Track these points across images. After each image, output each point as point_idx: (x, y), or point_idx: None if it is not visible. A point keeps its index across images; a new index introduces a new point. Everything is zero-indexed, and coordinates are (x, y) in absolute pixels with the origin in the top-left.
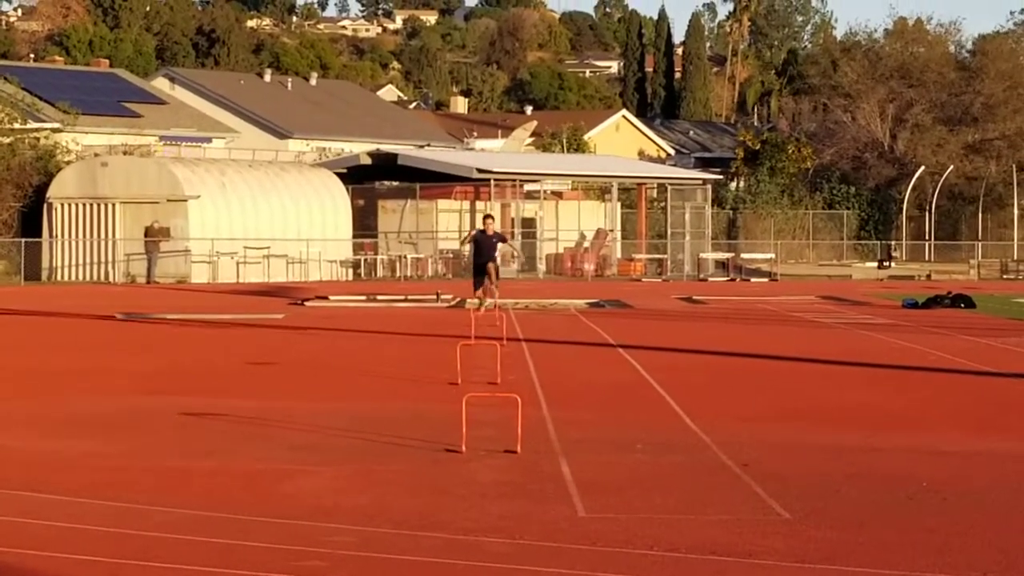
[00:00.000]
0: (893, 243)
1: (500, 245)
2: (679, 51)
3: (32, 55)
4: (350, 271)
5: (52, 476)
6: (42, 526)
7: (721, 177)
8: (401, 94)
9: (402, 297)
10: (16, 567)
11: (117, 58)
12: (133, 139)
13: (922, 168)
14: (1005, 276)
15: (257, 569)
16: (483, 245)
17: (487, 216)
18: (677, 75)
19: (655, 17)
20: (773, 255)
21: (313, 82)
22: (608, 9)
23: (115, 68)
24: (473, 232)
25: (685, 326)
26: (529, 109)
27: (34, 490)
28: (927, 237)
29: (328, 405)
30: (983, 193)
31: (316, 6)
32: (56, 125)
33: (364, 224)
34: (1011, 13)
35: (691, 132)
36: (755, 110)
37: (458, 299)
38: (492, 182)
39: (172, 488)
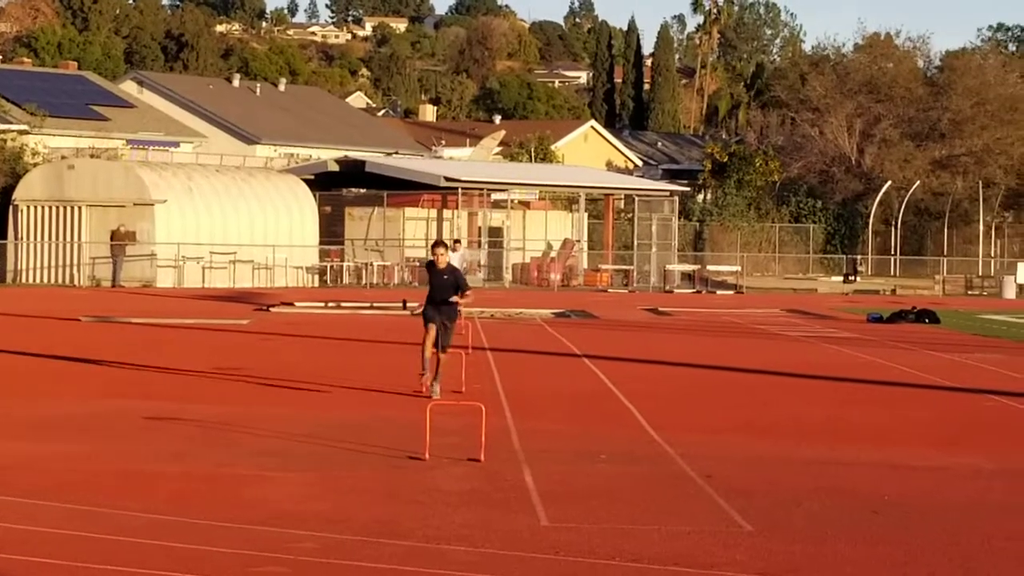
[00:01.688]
0: (859, 257)
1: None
2: (648, 62)
3: (0, 56)
4: (316, 277)
5: (11, 477)
6: (3, 529)
7: (688, 189)
8: (370, 101)
9: (368, 304)
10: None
11: (85, 60)
12: (100, 142)
13: (889, 183)
14: (970, 292)
15: (218, 574)
16: (432, 284)
17: (437, 244)
18: (646, 86)
19: (624, 28)
20: (739, 268)
21: (282, 88)
22: (578, 19)
23: (83, 71)
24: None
25: (651, 337)
26: (498, 118)
27: (37, 499)
28: (893, 252)
29: (292, 411)
30: (949, 209)
31: (286, 12)
32: (23, 127)
33: (331, 231)
34: (979, 30)
35: (659, 144)
36: (724, 123)
37: (421, 269)
38: (459, 191)
39: (134, 492)
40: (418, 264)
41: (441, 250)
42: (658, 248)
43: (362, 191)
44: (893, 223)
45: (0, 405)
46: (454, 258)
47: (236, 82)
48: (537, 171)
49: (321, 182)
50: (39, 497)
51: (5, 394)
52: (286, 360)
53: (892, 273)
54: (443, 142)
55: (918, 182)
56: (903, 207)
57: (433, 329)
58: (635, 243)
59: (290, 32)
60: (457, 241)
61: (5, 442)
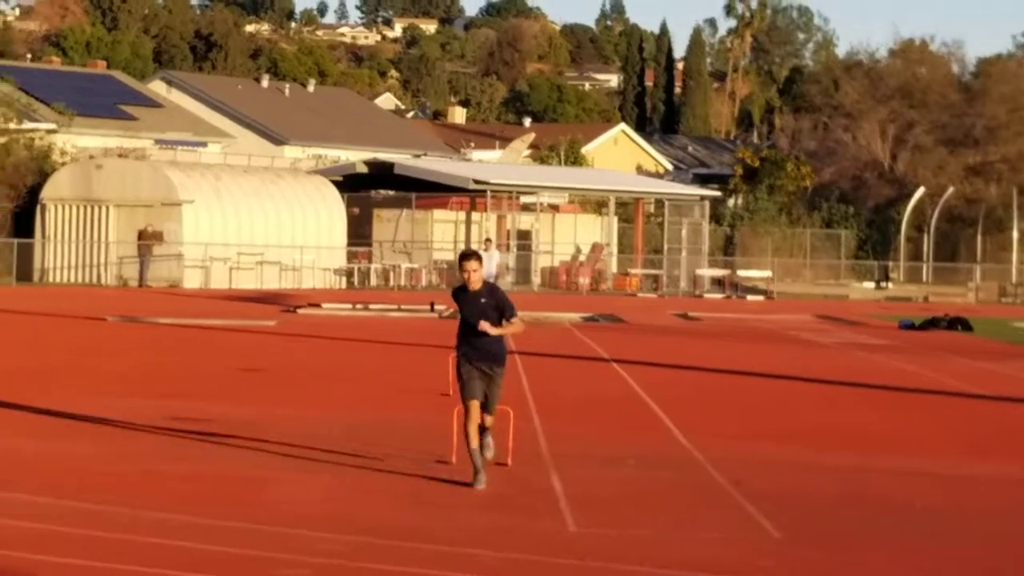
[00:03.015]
0: (891, 264)
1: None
2: (679, 66)
3: (29, 55)
4: (343, 279)
5: (32, 477)
6: (18, 527)
7: (719, 194)
8: (399, 103)
9: (395, 307)
10: (30, 573)
11: (114, 60)
12: (128, 142)
13: (922, 189)
14: (1003, 299)
15: None
16: (465, 314)
17: (467, 257)
18: (677, 90)
19: (656, 31)
20: (770, 273)
21: (311, 89)
22: (609, 22)
23: (112, 70)
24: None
25: (680, 342)
26: (527, 121)
27: (12, 490)
28: (925, 259)
29: (318, 413)
30: (983, 216)
31: (315, 12)
32: (51, 126)
33: (359, 232)
34: (1014, 36)
35: (690, 148)
36: (757, 127)
37: (451, 310)
38: (488, 193)
39: (157, 492)
40: (446, 267)
41: (473, 264)
42: (688, 253)
43: (390, 193)
44: (926, 229)
45: (24, 403)
46: (489, 261)
47: (265, 82)
48: (567, 174)
49: (349, 183)
50: (61, 496)
51: (29, 392)
52: (312, 362)
53: (924, 280)
54: (472, 144)
55: (951, 188)
56: (936, 213)
57: (477, 390)
58: (665, 247)
59: (319, 33)
60: (488, 240)
61: (28, 440)
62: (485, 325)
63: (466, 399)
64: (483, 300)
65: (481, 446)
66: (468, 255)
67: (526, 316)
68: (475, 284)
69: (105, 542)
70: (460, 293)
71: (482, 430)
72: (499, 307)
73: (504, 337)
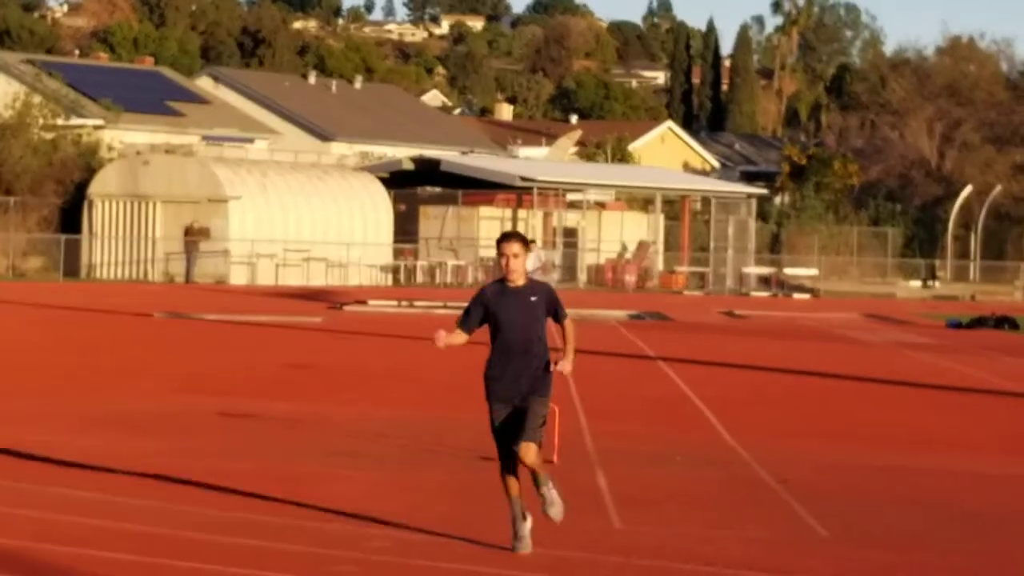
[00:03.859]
0: (938, 262)
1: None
2: (726, 63)
3: (77, 51)
4: (390, 276)
5: (88, 474)
6: (77, 523)
7: (766, 191)
8: (445, 100)
9: (441, 304)
10: (50, 564)
11: (161, 56)
12: (175, 138)
13: (969, 187)
14: None
15: (291, 572)
16: (503, 322)
17: (508, 238)
18: (724, 87)
19: (703, 29)
20: (816, 271)
21: (357, 85)
22: (656, 20)
23: (159, 66)
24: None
25: (726, 341)
26: (574, 118)
27: (70, 487)
28: (973, 257)
29: (365, 410)
30: None
31: (362, 9)
32: (99, 122)
33: (405, 229)
34: None
35: (736, 145)
36: (805, 125)
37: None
38: (535, 190)
39: (209, 489)
40: (491, 264)
41: (515, 247)
42: (734, 250)
43: (437, 190)
44: (973, 228)
45: (75, 401)
46: (531, 259)
47: (312, 79)
48: (613, 171)
49: (396, 180)
50: (114, 493)
51: (79, 390)
52: (359, 359)
53: (972, 279)
54: (519, 141)
55: (999, 186)
56: (984, 211)
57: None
58: (711, 245)
59: (366, 30)
60: (532, 241)
61: (81, 438)
62: (566, 367)
63: (501, 446)
64: (533, 299)
65: (540, 497)
66: (510, 236)
67: (572, 314)
68: (517, 277)
69: (167, 539)
70: (497, 293)
71: (533, 477)
72: (551, 308)
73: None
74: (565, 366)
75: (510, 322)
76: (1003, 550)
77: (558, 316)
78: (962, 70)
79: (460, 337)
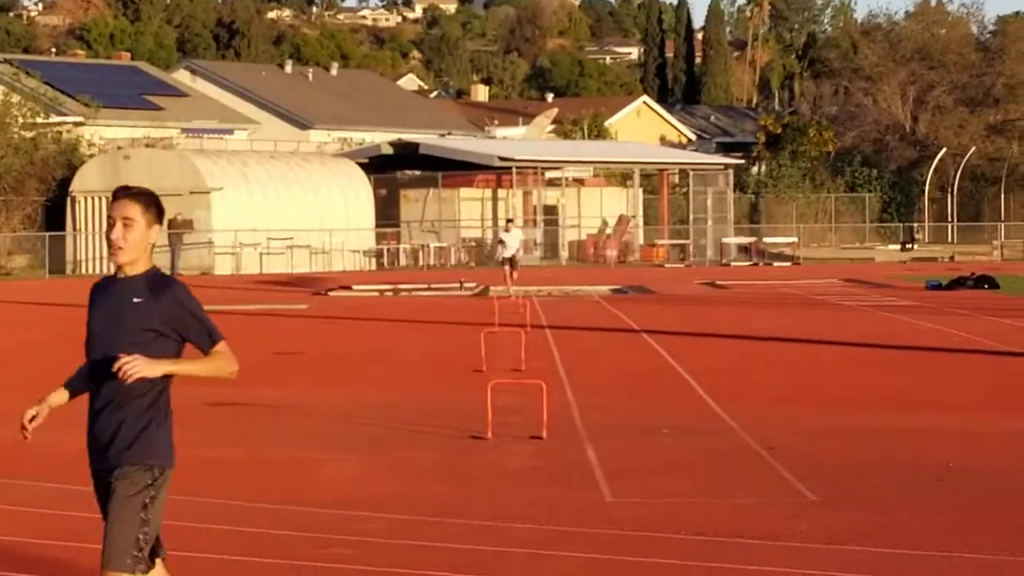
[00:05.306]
0: (916, 225)
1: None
2: (699, 36)
3: (54, 49)
4: (373, 260)
5: (80, 468)
6: (76, 518)
7: (743, 162)
8: (422, 83)
9: (425, 286)
10: (47, 558)
11: (138, 51)
12: (155, 132)
13: (944, 150)
14: None
15: (285, 557)
16: (98, 325)
17: (120, 195)
18: (697, 60)
19: (674, 3)
20: (795, 239)
21: (334, 72)
22: None
23: (136, 61)
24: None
25: (709, 311)
26: (550, 96)
27: (63, 482)
28: (950, 219)
29: (353, 394)
30: (1005, 174)
31: None
32: (78, 119)
33: (386, 214)
34: None
35: (712, 117)
36: (777, 94)
37: (481, 287)
38: (514, 170)
39: (199, 477)
40: (474, 245)
41: (130, 210)
42: (714, 222)
43: (416, 173)
44: (949, 190)
45: None
46: (512, 240)
47: (288, 68)
48: (591, 148)
49: (375, 165)
50: None
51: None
52: (346, 343)
53: (949, 240)
54: (496, 122)
55: (973, 148)
56: (959, 173)
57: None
58: (691, 217)
59: (340, 17)
60: (510, 220)
61: (73, 432)
62: (137, 366)
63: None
64: (137, 301)
65: None
66: (122, 193)
67: (556, 290)
68: (128, 261)
69: (162, 529)
70: (100, 288)
71: None
72: (178, 323)
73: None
74: (140, 366)
75: (94, 337)
76: (992, 508)
77: (198, 337)
78: (933, 34)
79: (61, 396)
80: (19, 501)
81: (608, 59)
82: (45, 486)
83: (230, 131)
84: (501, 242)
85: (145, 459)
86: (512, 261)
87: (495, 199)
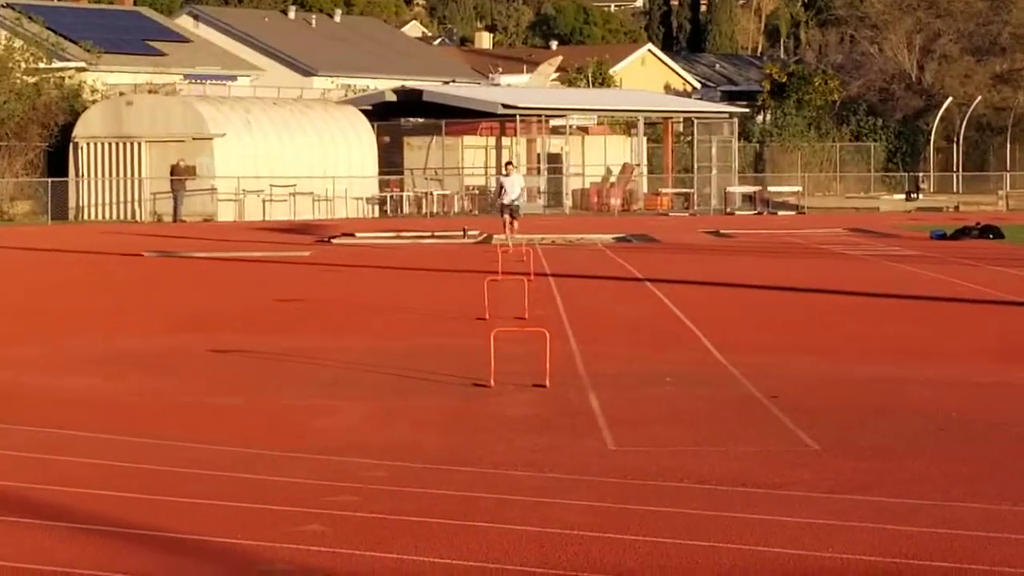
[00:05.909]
0: (921, 175)
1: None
2: None
3: None
4: (376, 208)
5: (82, 414)
6: (74, 463)
7: (748, 110)
8: (425, 30)
9: (428, 233)
10: (45, 503)
11: None
12: (157, 78)
13: (950, 99)
14: None
15: (290, 504)
16: None
17: None
18: (703, 8)
19: None
20: (800, 188)
21: (337, 19)
22: None
23: (139, 6)
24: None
25: (713, 260)
26: (554, 44)
27: (63, 427)
28: (955, 168)
29: (357, 341)
30: (1011, 124)
31: None
32: (81, 64)
33: (390, 161)
34: None
35: (717, 66)
36: (784, 43)
37: (485, 235)
38: (518, 118)
39: (204, 425)
40: (477, 192)
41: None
42: (718, 170)
43: (420, 121)
44: (955, 139)
45: (67, 342)
46: (512, 185)
47: (292, 14)
48: (595, 96)
49: (379, 112)
50: (109, 431)
51: (71, 331)
52: (348, 291)
53: (955, 190)
54: (500, 69)
55: (979, 97)
56: (965, 123)
57: None
58: (695, 166)
59: None
60: (509, 163)
61: (74, 378)
62: None
63: None
64: None
65: None
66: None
67: (559, 239)
68: None
69: (164, 475)
70: None
71: None
72: None
73: None
74: None
75: None
76: (995, 457)
77: None
78: None
79: None
80: (21, 447)
81: (613, 7)
82: (46, 431)
83: (233, 77)
84: (501, 187)
85: None
86: (512, 210)
87: (499, 147)
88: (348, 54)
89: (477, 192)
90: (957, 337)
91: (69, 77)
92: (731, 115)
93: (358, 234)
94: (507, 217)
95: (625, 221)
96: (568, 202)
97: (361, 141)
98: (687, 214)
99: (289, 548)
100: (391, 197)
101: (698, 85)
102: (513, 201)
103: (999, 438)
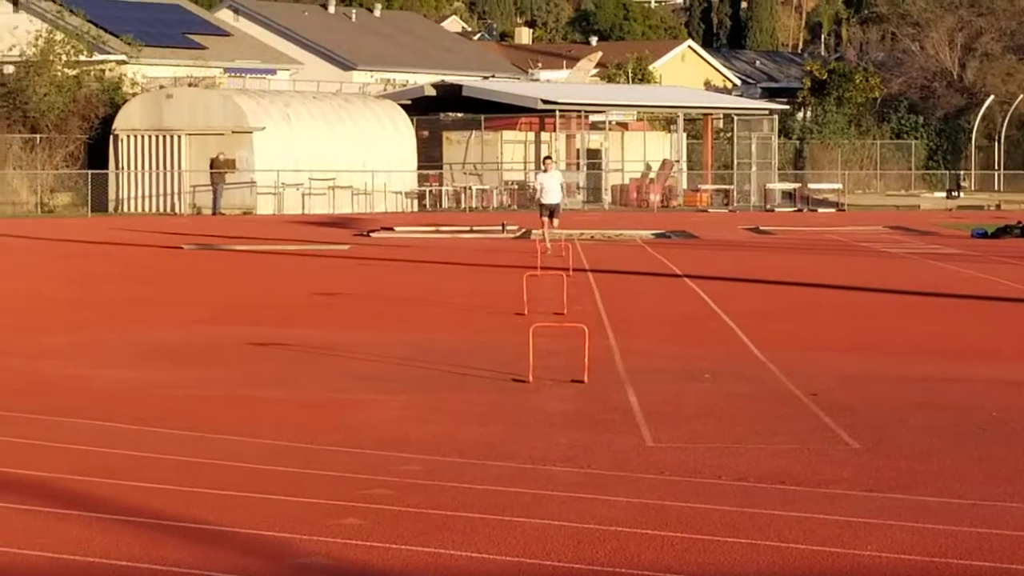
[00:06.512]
0: (962, 173)
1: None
2: None
3: None
4: (415, 202)
5: (120, 405)
6: (113, 455)
7: (788, 107)
8: (465, 25)
9: (467, 228)
10: (84, 494)
11: None
12: (197, 71)
13: (991, 97)
14: None
15: (326, 497)
16: None
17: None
18: (743, 4)
19: None
20: (840, 185)
21: (377, 13)
22: None
23: (179, 0)
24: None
25: (752, 256)
26: (594, 40)
27: (103, 419)
28: (996, 167)
29: (394, 335)
30: None
31: None
32: (121, 57)
33: (429, 155)
34: None
35: (757, 62)
36: (825, 40)
37: (524, 230)
38: (557, 113)
39: (241, 417)
40: (516, 187)
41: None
42: (758, 167)
43: (459, 115)
44: (996, 138)
45: (106, 334)
46: (552, 181)
47: (332, 8)
48: (635, 92)
49: (418, 107)
50: (148, 424)
51: (110, 323)
52: (387, 285)
53: (996, 188)
54: (540, 65)
55: (1021, 96)
56: (1006, 121)
57: None
58: (735, 163)
59: None
60: (548, 158)
61: (113, 370)
62: None
63: None
64: None
65: None
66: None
67: (598, 234)
68: None
69: (201, 468)
70: None
71: None
72: None
73: None
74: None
75: None
76: None
77: None
78: None
79: None
80: (59, 438)
81: (653, 3)
82: (84, 423)
83: (273, 71)
84: (540, 186)
85: None
86: (552, 211)
87: (538, 142)
88: (387, 49)
89: (516, 187)
90: (998, 336)
91: (110, 70)
92: (771, 112)
93: (397, 228)
94: (546, 218)
95: (664, 217)
96: (607, 198)
97: (400, 135)
98: (727, 210)
99: (325, 541)
100: (430, 191)
101: (738, 82)
102: (553, 201)
103: None
